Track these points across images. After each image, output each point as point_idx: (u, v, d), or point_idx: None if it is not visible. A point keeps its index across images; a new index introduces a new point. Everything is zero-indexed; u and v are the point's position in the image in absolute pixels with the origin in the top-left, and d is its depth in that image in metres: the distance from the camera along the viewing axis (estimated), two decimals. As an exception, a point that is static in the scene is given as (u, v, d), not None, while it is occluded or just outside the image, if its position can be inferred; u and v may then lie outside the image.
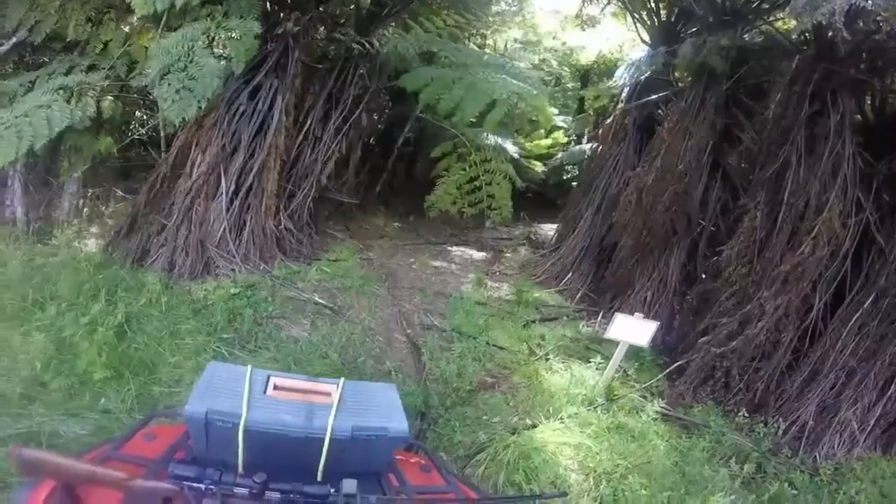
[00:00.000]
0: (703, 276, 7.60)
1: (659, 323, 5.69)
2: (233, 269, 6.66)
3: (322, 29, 8.11)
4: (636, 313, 5.68)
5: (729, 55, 7.19)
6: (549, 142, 14.42)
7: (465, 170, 8.18)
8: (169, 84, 5.76)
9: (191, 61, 5.84)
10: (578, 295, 8.47)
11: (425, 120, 11.83)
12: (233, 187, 6.81)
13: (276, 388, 1.61)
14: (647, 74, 8.05)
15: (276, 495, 1.26)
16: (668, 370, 6.33)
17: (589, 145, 10.14)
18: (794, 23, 7.59)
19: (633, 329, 5.49)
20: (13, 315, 4.95)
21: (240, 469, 1.42)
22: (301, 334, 5.64)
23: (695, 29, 8.70)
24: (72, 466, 1.23)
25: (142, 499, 1.27)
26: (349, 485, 1.26)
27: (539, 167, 13.25)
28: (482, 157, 8.32)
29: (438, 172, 8.53)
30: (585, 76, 13.06)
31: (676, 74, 8.81)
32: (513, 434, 4.67)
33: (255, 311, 5.86)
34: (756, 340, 6.07)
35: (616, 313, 5.54)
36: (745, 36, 7.80)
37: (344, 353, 5.45)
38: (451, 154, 8.67)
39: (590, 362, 6.15)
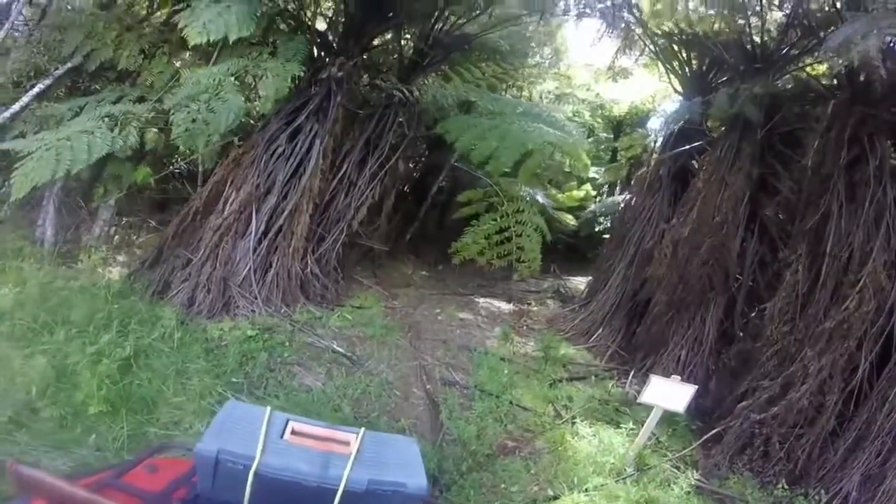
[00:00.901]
0: (741, 334, 7.13)
1: (696, 387, 5.23)
2: (253, 311, 6.52)
3: (365, 76, 8.21)
4: (673, 376, 5.26)
5: (762, 103, 6.90)
6: (581, 193, 14.21)
7: (495, 220, 7.98)
8: (188, 112, 5.76)
9: (216, 95, 5.86)
10: (608, 352, 8.02)
11: (460, 169, 11.84)
12: (263, 227, 6.76)
13: (293, 433, 1.53)
14: (680, 125, 7.80)
15: None
16: (703, 438, 5.81)
17: (622, 196, 9.86)
18: (824, 67, 7.56)
19: (669, 393, 5.07)
20: (21, 336, 4.82)
21: None
22: (315, 383, 5.39)
23: (726, 77, 8.52)
24: (70, 491, 1.17)
25: None
26: None
27: (570, 219, 13.00)
28: (514, 207, 8.14)
29: (462, 216, 8.31)
30: (618, 127, 12.92)
31: (710, 124, 8.55)
32: (532, 507, 4.28)
33: (269, 355, 5.66)
34: (799, 405, 5.57)
35: (651, 376, 5.14)
36: (778, 83, 7.52)
37: (357, 407, 5.17)
38: (480, 202, 8.49)
39: (620, 427, 5.71)
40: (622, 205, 9.53)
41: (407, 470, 1.49)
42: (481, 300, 9.78)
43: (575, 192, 13.62)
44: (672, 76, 9.06)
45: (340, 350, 6.10)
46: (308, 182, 6.77)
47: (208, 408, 4.47)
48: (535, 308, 9.98)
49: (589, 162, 12.47)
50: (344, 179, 7.47)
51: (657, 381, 5.06)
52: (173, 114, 5.85)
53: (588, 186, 13.94)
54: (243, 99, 5.97)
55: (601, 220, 14.15)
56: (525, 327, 8.79)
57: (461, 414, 5.42)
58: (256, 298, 6.58)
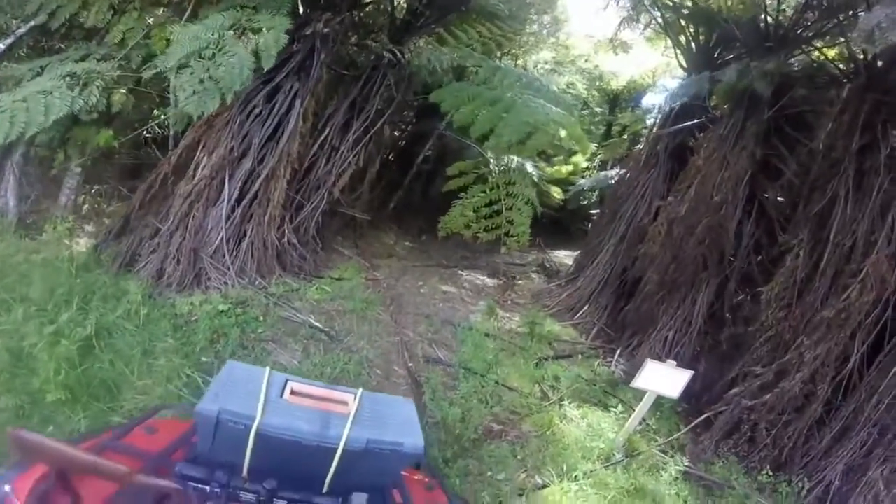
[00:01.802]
0: (733, 317, 6.90)
1: (693, 372, 4.97)
2: (225, 283, 6.08)
3: (353, 35, 7.64)
4: (668, 360, 4.99)
5: (772, 82, 6.55)
6: (569, 168, 13.84)
7: (484, 192, 7.50)
8: (192, 73, 5.12)
9: (220, 49, 5.23)
10: (594, 330, 7.78)
11: (447, 137, 11.36)
12: (236, 194, 6.25)
13: (292, 392, 1.50)
14: (682, 100, 7.41)
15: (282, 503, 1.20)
16: (693, 424, 5.61)
17: (615, 171, 9.52)
18: (835, 51, 7.25)
19: (664, 378, 4.80)
20: (-25, 316, 4.32)
21: (244, 472, 1.31)
22: (290, 362, 5.00)
23: (733, 55, 8.14)
24: (73, 454, 1.15)
25: (138, 493, 1.21)
26: (359, 499, 1.22)
27: (557, 193, 12.65)
28: (505, 179, 7.69)
29: (451, 188, 7.80)
30: (614, 101, 12.47)
31: (713, 101, 8.20)
32: (520, 496, 4.00)
33: (242, 331, 5.25)
34: (790, 393, 5.41)
35: (647, 360, 4.85)
36: (789, 63, 7.16)
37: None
38: (469, 173, 8.03)
39: (608, 410, 5.49)
40: (615, 180, 9.18)
41: (404, 429, 1.47)
42: (465, 273, 9.45)
43: (563, 167, 13.25)
44: (678, 50, 8.66)
45: (318, 325, 5.72)
46: (286, 146, 6.25)
47: (175, 392, 4.07)
48: (519, 282, 9.69)
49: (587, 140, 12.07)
50: (325, 144, 6.95)
51: (652, 365, 4.79)
52: (175, 76, 5.26)
53: (577, 160, 13.57)
54: (251, 52, 5.37)
55: (587, 194, 13.88)
56: (510, 302, 8.49)
57: (445, 394, 5.11)
58: (229, 270, 6.13)
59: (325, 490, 1.37)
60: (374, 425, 1.43)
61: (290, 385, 1.52)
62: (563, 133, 6.39)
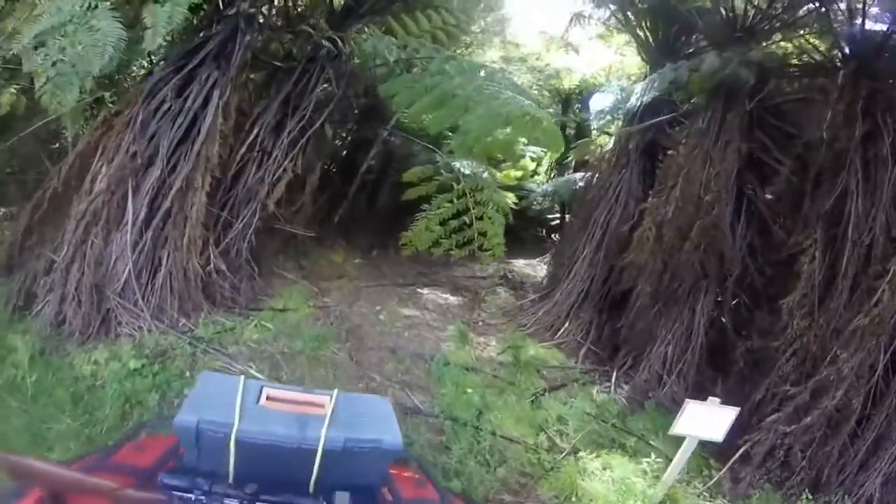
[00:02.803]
0: (738, 329, 6.06)
1: (738, 409, 3.96)
2: (139, 328, 4.63)
3: (285, 20, 6.27)
4: (710, 398, 3.93)
5: (754, 70, 5.84)
6: (517, 173, 12.95)
7: (451, 201, 6.21)
8: (46, 55, 3.78)
9: (84, 24, 3.82)
10: (582, 351, 6.73)
11: (393, 143, 10.12)
12: (144, 212, 4.75)
13: (268, 398, 1.42)
14: (656, 93, 6.52)
15: None
16: (731, 461, 4.64)
17: (580, 174, 8.61)
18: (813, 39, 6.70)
19: (706, 419, 3.78)
20: None
21: (230, 479, 1.23)
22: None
23: (694, 48, 7.43)
24: (60, 474, 1.13)
25: None
26: (341, 498, 1.19)
27: (511, 198, 11.67)
28: (471, 185, 6.47)
29: (410, 197, 6.45)
30: (566, 101, 11.66)
31: (679, 95, 7.44)
32: None
33: (162, 395, 3.89)
34: (827, 411, 4.68)
35: (687, 402, 3.80)
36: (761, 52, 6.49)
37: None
38: (429, 180, 6.75)
39: (630, 453, 4.43)
40: (581, 183, 8.23)
41: (381, 427, 1.39)
42: (425, 291, 8.20)
43: (512, 172, 12.32)
44: (638, 45, 7.88)
45: (260, 376, 4.32)
46: (203, 148, 4.81)
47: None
48: (486, 298, 8.52)
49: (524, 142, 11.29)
50: (255, 147, 5.53)
51: (693, 406, 3.74)
52: (28, 59, 3.99)
53: (526, 164, 12.73)
54: (123, 28, 3.90)
55: (539, 199, 13.01)
56: (481, 323, 7.31)
57: (436, 459, 3.85)
58: (143, 311, 4.64)
59: (310, 491, 1.26)
60: (352, 424, 1.34)
61: (265, 391, 1.43)
62: (542, 125, 5.21)
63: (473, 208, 5.90)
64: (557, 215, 11.11)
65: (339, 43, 6.06)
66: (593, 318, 7.07)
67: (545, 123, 5.25)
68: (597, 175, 7.80)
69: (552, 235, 12.06)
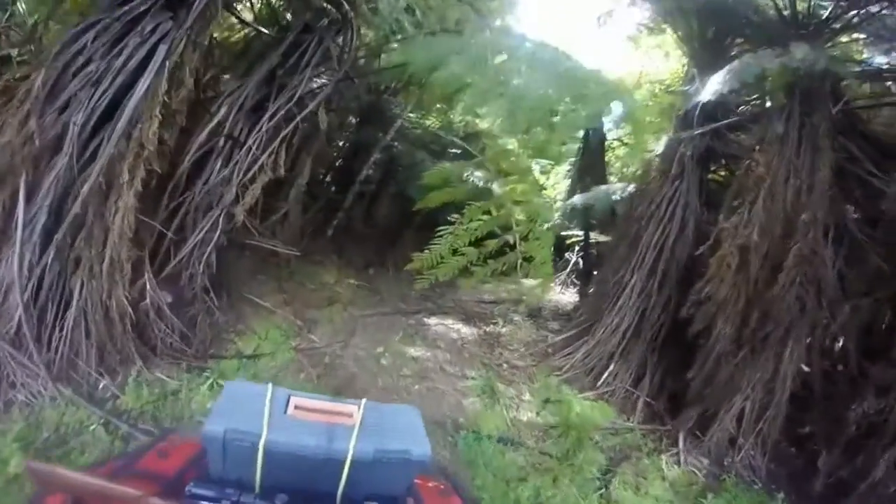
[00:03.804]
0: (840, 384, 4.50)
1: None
2: (39, 392, 2.91)
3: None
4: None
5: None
6: (524, 186, 11.34)
7: (489, 213, 4.29)
8: None
9: None
10: (639, 405, 5.10)
11: (394, 150, 8.51)
12: (43, 220, 3.03)
13: (296, 408, 1.27)
14: (734, 86, 4.97)
15: None
16: None
17: (618, 186, 7.00)
18: None
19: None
20: None
21: (256, 489, 1.14)
22: None
23: (747, 48, 5.95)
24: (84, 481, 1.06)
25: None
26: None
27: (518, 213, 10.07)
28: (513, 191, 4.67)
29: (429, 205, 4.51)
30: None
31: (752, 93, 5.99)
32: None
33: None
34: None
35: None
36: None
37: None
38: (456, 184, 4.96)
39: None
40: (620, 195, 6.61)
41: (410, 437, 1.25)
42: (433, 321, 6.53)
43: (518, 185, 10.67)
44: (682, 44, 6.39)
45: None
46: (138, 130, 3.09)
47: None
48: (502, 328, 6.85)
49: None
50: (220, 134, 3.82)
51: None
52: None
53: (533, 177, 11.09)
54: None
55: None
56: (505, 365, 5.62)
57: None
58: (40, 369, 2.92)
59: (338, 502, 1.17)
60: (381, 434, 1.22)
61: (293, 400, 1.27)
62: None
63: (516, 225, 4.17)
64: (576, 233, 9.52)
65: (346, 7, 4.42)
66: (646, 361, 5.45)
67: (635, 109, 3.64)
68: (643, 187, 6.20)
69: (565, 254, 10.46)
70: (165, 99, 3.14)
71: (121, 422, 2.98)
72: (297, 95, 4.05)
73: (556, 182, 12.66)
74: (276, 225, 4.99)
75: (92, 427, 2.97)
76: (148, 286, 3.32)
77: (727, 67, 5.00)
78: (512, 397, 4.78)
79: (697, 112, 5.65)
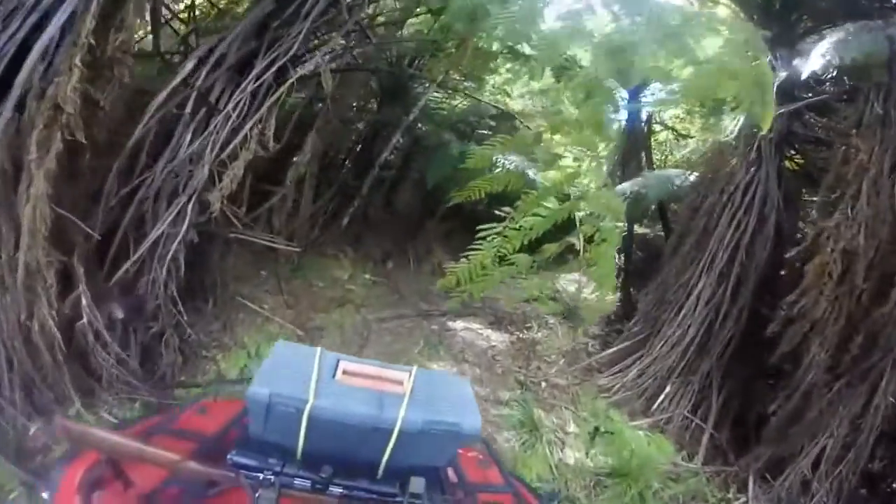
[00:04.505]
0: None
1: None
2: None
3: None
4: None
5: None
6: (556, 173, 10.25)
7: (549, 206, 3.15)
8: None
9: None
10: (704, 439, 4.08)
11: (417, 132, 7.52)
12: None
13: (345, 372, 1.20)
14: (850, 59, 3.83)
15: (338, 490, 1.03)
16: None
17: (675, 172, 5.84)
18: None
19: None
20: None
21: (298, 455, 1.08)
22: None
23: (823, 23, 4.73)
24: (117, 442, 1.01)
25: (191, 478, 1.05)
26: (417, 483, 1.04)
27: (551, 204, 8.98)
28: (574, 177, 3.52)
29: (472, 196, 3.39)
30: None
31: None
32: None
33: None
34: None
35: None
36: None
37: None
38: (499, 170, 3.81)
39: None
40: (677, 182, 5.47)
41: (461, 409, 1.16)
42: (459, 325, 5.57)
43: (550, 172, 9.60)
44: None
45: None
46: (55, 85, 2.13)
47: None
48: (536, 333, 5.85)
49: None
50: (187, 88, 2.83)
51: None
52: None
53: (567, 163, 10.02)
54: None
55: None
56: (544, 384, 4.62)
57: None
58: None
59: (380, 473, 1.09)
60: (431, 405, 1.13)
61: (342, 364, 1.20)
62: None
63: (581, 223, 3.13)
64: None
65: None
66: (710, 383, 4.41)
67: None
68: (709, 175, 5.07)
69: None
70: (91, 42, 2.17)
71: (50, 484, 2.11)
72: (293, 49, 3.05)
73: (590, 169, 11.53)
74: (275, 214, 4.03)
75: (13, 494, 2.13)
76: (83, 300, 2.40)
77: (831, 39, 3.86)
78: (555, 429, 3.80)
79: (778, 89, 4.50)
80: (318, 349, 1.19)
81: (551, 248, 2.96)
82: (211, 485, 1.05)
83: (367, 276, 6.18)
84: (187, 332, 2.98)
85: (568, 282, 8.39)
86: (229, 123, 2.79)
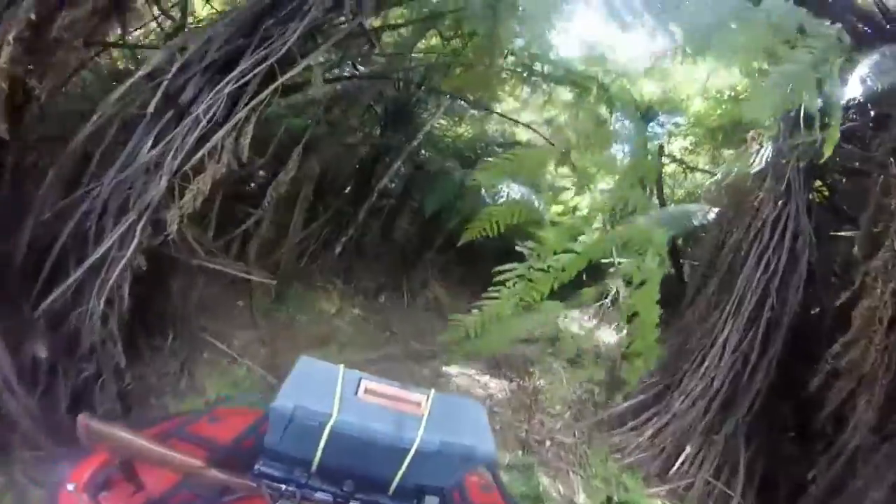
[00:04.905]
0: None
1: None
2: None
3: None
4: None
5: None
6: (557, 207, 9.89)
7: (584, 240, 2.50)
8: None
9: None
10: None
11: (418, 159, 7.17)
12: None
13: (366, 391, 1.21)
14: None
15: None
16: None
17: (695, 207, 5.39)
18: None
19: None
20: None
21: (313, 469, 1.09)
22: None
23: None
24: (142, 445, 0.98)
25: (203, 483, 1.04)
26: (430, 502, 1.11)
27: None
28: (611, 206, 2.84)
29: (479, 232, 2.83)
30: (645, 116, 8.64)
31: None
32: None
33: None
34: None
35: None
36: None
37: None
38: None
39: None
40: (698, 220, 5.03)
41: (475, 433, 1.19)
42: (453, 368, 5.02)
43: (569, 200, 9.28)
44: None
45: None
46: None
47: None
48: (538, 378, 5.29)
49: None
50: (154, 82, 2.37)
51: None
52: None
53: (567, 198, 9.74)
54: None
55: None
56: (548, 443, 4.04)
57: None
58: None
59: (391, 490, 1.11)
60: (447, 427, 1.15)
61: (363, 383, 1.21)
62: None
63: (618, 263, 2.57)
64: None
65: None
66: (737, 444, 3.85)
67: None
68: (729, 211, 4.65)
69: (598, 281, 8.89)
70: (32, 17, 1.73)
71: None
72: (284, 50, 2.62)
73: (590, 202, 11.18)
74: (253, 240, 3.53)
75: None
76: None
77: (868, 62, 3.50)
78: (562, 500, 3.22)
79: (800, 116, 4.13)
80: (341, 366, 1.20)
81: (589, 293, 2.44)
82: (225, 492, 1.04)
83: (357, 310, 5.65)
84: (129, 375, 2.44)
85: (569, 322, 7.91)
86: (198, 129, 2.32)
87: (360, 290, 6.19)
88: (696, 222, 4.92)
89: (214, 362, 3.24)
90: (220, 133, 2.36)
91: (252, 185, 3.12)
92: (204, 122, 2.33)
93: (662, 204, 6.15)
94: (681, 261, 5.95)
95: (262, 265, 4.72)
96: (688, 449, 3.92)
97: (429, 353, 5.19)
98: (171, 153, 2.26)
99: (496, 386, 4.86)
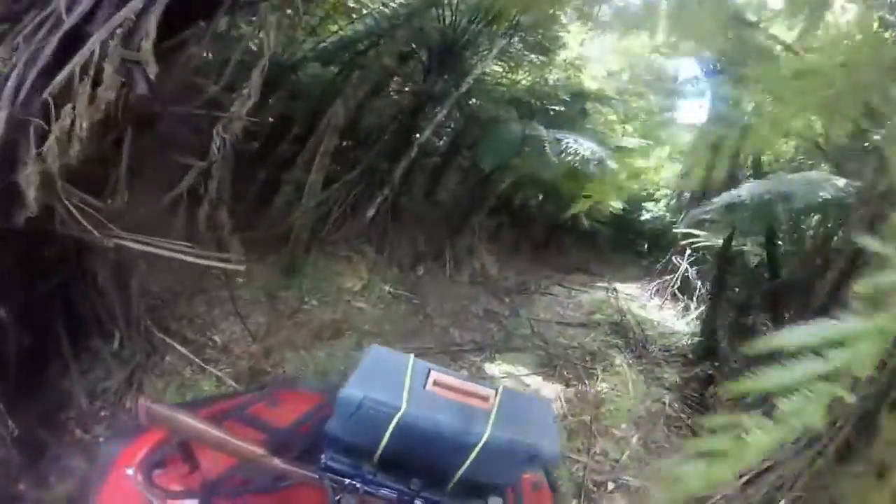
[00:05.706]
0: None
1: None
2: None
3: None
4: None
5: None
6: (643, 163, 8.62)
7: None
8: None
9: None
10: None
11: (467, 109, 6.03)
12: None
13: (435, 383, 1.13)
14: None
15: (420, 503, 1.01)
16: None
17: (822, 176, 4.01)
18: None
19: None
20: None
21: (375, 459, 1.03)
22: None
23: None
24: (204, 431, 0.92)
25: (260, 469, 0.97)
26: (494, 503, 1.07)
27: (615, 203, 7.23)
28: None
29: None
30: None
31: None
32: None
33: None
34: None
35: None
36: None
37: None
38: None
39: None
40: (827, 191, 3.60)
41: (542, 432, 1.11)
42: (497, 365, 4.03)
43: (638, 161, 8.03)
44: None
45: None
46: None
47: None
48: (603, 384, 4.17)
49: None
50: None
51: None
52: None
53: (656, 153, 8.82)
54: None
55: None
56: (611, 484, 3.00)
57: None
58: None
59: (451, 485, 1.05)
60: (514, 424, 1.08)
61: (432, 375, 1.13)
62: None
63: None
64: (694, 233, 6.43)
65: None
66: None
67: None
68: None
69: (674, 258, 7.52)
70: None
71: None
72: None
73: (659, 166, 9.65)
74: (239, 204, 2.58)
75: None
76: None
77: None
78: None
79: None
80: (411, 356, 1.13)
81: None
82: (279, 479, 0.99)
83: (388, 287, 4.71)
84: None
85: (631, 298, 6.76)
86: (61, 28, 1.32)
87: (393, 261, 5.25)
88: (828, 195, 3.48)
89: (175, 371, 2.38)
90: (101, 32, 1.34)
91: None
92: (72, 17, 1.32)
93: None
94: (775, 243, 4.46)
95: (273, 234, 3.86)
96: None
97: (471, 345, 4.21)
98: (15, 70, 1.28)
99: (548, 391, 3.82)
